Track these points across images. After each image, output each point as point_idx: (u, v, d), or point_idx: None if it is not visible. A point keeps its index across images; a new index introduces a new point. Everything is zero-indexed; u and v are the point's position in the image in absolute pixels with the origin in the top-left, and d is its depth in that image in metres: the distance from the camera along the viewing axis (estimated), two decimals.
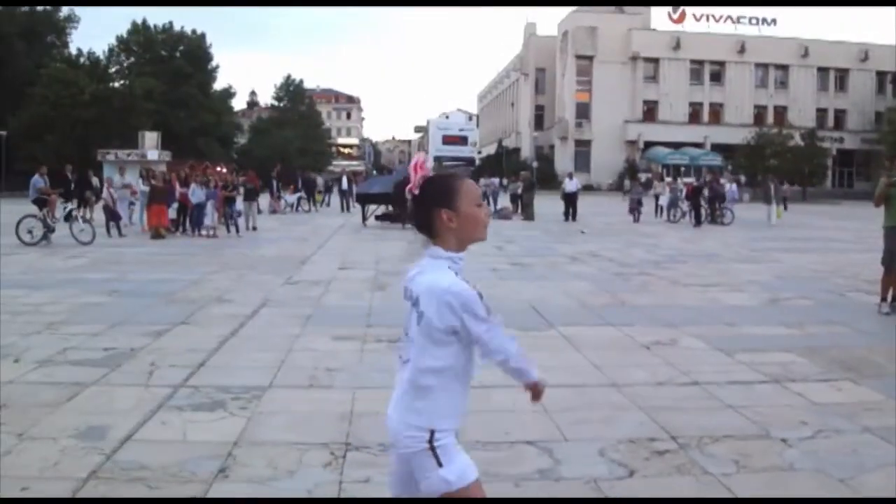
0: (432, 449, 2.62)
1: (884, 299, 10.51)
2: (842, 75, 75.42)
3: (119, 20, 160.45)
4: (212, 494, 4.27)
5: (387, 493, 2.89)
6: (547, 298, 11.33)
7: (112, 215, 22.05)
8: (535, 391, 2.88)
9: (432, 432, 2.62)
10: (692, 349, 8.13)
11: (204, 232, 22.07)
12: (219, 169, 34.52)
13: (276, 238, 21.92)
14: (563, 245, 20.40)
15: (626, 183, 37.70)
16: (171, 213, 22.57)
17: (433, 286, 2.61)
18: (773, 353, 7.91)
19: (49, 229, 19.34)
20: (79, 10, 70.09)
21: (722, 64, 74.18)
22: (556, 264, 16.03)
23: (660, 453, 5.03)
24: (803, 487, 4.52)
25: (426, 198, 2.69)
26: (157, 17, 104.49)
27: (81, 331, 8.60)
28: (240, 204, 24.23)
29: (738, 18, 72.96)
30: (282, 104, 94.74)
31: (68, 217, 20.01)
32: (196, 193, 22.20)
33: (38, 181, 20.66)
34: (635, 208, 31.54)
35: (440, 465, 2.61)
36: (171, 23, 75.16)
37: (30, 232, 19.06)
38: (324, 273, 14.15)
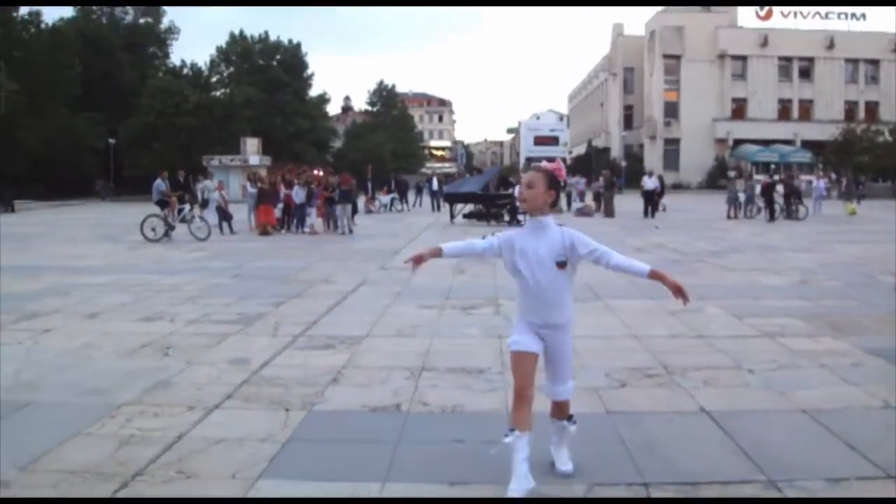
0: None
1: None
2: None
3: (216, 30, 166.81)
4: (327, 394, 6.23)
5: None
6: (602, 280, 12.81)
7: (224, 215, 24.56)
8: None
9: None
10: (710, 315, 9.80)
11: (306, 229, 24.39)
12: (316, 172, 37.03)
13: (372, 234, 24.15)
14: (634, 238, 21.90)
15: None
16: (277, 212, 25.00)
17: None
18: (779, 318, 9.47)
19: (170, 227, 21.94)
20: (178, 22, 74.54)
21: (811, 60, 73.73)
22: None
23: (650, 376, 6.79)
24: (748, 396, 6.22)
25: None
26: (252, 25, 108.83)
27: (216, 302, 10.82)
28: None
29: (827, 14, 72.46)
30: (375, 109, 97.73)
31: (184, 219, 22.54)
32: (299, 194, 24.56)
33: (161, 184, 23.25)
34: (731, 205, 31.63)
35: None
36: (266, 32, 79.00)
37: (153, 230, 21.75)
38: None
